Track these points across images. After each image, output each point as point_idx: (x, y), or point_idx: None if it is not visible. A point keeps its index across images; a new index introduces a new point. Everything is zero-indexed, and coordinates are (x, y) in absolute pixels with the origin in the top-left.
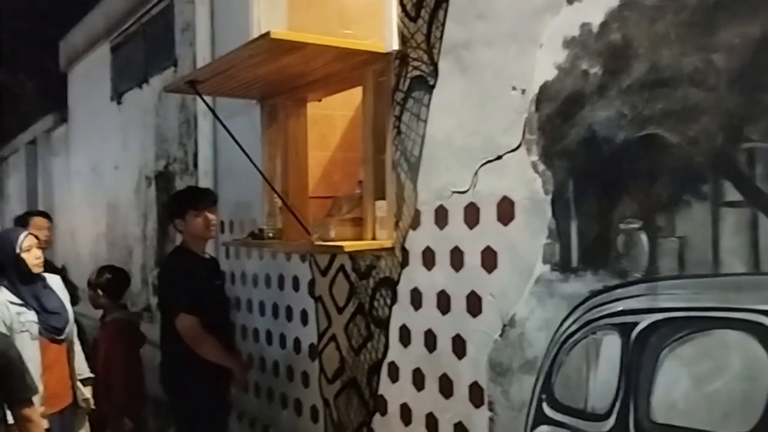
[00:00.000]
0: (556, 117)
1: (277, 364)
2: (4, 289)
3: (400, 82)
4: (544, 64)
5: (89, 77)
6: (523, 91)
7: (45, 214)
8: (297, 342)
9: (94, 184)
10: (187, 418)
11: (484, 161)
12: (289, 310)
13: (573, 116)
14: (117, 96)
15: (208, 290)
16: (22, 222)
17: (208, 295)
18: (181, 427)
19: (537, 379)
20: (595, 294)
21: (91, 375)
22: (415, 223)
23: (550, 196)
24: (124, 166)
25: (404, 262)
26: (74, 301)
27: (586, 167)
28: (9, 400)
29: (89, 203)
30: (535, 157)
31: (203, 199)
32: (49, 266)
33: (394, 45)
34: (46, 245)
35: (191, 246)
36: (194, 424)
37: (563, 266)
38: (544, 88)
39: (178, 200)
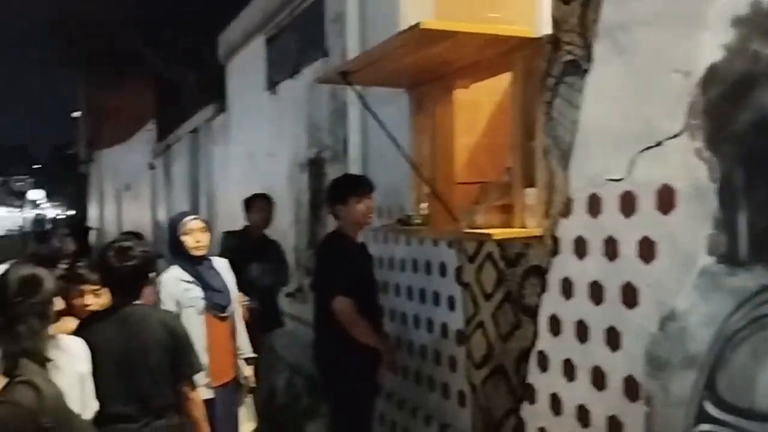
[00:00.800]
0: (724, 100)
1: (424, 348)
2: (176, 267)
3: (552, 67)
4: (710, 45)
5: (245, 69)
6: (687, 74)
7: (266, 196)
8: (444, 327)
9: (250, 171)
10: (339, 396)
11: (643, 148)
12: (436, 296)
13: (743, 99)
14: (271, 86)
15: (361, 274)
16: (248, 203)
17: (360, 279)
18: (333, 404)
19: (699, 376)
20: (765, 289)
21: (254, 354)
22: (566, 212)
23: (716, 185)
24: (278, 154)
25: (555, 251)
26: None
27: (758, 153)
28: (171, 376)
29: (246, 189)
30: (699, 143)
31: (364, 186)
32: (267, 240)
33: (546, 29)
34: (266, 224)
35: (348, 231)
36: (345, 402)
37: (730, 259)
38: (711, 71)
39: (341, 187)
